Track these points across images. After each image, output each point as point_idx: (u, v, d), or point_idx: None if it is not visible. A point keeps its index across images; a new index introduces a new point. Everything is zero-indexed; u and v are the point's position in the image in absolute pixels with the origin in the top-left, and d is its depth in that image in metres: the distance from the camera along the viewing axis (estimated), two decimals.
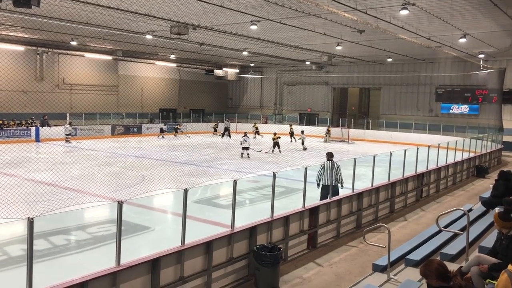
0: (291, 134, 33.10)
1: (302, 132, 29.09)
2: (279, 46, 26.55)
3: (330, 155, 11.31)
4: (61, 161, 19.67)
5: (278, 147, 25.19)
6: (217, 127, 38.14)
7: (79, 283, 5.12)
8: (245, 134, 23.82)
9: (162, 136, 33.91)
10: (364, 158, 13.09)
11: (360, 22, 17.03)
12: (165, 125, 35.39)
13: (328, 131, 35.05)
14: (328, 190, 10.28)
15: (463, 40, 21.87)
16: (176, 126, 35.55)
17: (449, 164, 17.13)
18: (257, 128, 36.04)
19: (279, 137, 25.38)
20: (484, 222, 8.89)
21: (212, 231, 7.37)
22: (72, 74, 32.46)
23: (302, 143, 28.02)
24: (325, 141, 34.12)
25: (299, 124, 40.45)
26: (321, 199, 10.38)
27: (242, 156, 22.48)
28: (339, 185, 10.86)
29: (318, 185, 10.97)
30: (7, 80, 24.88)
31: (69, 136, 28.37)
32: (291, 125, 35.11)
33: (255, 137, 34.19)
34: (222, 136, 35.77)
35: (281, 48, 27.58)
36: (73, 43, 28.02)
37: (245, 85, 46.70)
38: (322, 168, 11.01)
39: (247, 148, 22.55)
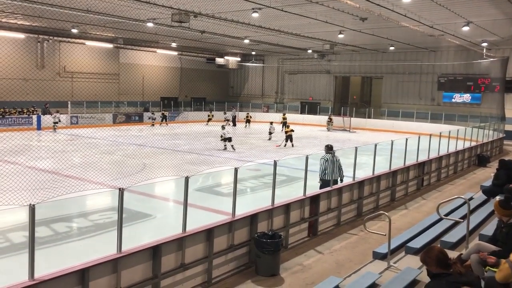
0: (284, 123, 31.64)
1: (271, 123, 27.54)
2: (280, 34, 26.36)
3: (330, 148, 10.79)
4: (63, 149, 19.69)
5: (291, 141, 23.61)
6: (212, 117, 36.69)
7: (81, 270, 5.16)
8: (223, 127, 22.49)
9: (161, 124, 33.98)
10: (365, 147, 13.04)
11: (362, 10, 16.94)
12: (153, 113, 34.92)
13: (330, 120, 34.96)
14: (328, 184, 10.07)
15: (466, 28, 21.67)
16: (156, 117, 34.63)
17: (450, 153, 17.11)
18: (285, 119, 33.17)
19: (292, 130, 24.16)
20: (485, 210, 8.90)
21: (213, 218, 7.38)
22: (73, 62, 32.37)
23: (270, 133, 26.58)
24: (328, 130, 34.08)
25: (301, 113, 40.29)
26: None
27: (225, 148, 21.24)
28: (339, 179, 10.59)
29: (321, 179, 10.42)
30: (7, 68, 24.87)
31: (56, 125, 27.94)
32: (284, 114, 34.44)
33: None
34: (233, 124, 35.41)
35: (283, 36, 27.39)
36: (74, 30, 27.88)
37: (246, 73, 46.47)
38: (326, 161, 10.45)
39: (229, 140, 21.36)
